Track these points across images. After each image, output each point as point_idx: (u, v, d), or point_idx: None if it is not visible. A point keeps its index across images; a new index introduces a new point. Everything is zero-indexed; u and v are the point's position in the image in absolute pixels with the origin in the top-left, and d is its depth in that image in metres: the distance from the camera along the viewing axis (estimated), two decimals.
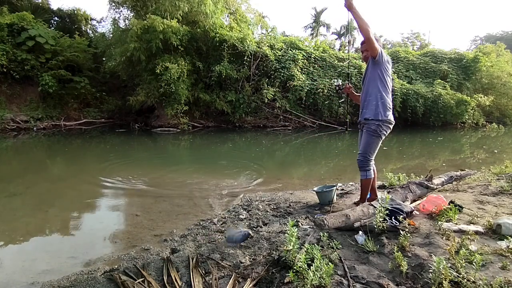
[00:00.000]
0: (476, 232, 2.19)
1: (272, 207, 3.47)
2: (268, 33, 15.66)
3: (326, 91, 12.94)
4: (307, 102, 13.29)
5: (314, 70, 13.93)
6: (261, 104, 13.21)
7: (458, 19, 75.72)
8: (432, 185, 3.31)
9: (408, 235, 2.12)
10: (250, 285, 1.86)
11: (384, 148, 8.70)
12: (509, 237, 1.99)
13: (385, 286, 1.70)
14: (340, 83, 3.20)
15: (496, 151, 8.30)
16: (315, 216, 2.82)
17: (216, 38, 12.76)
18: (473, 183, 3.92)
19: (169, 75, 11.58)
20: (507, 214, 2.61)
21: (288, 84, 13.27)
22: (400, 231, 2.14)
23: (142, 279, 2.01)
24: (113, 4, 13.74)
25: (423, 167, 5.96)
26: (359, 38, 34.82)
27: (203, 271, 2.08)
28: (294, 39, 15.06)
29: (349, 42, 32.85)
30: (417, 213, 2.65)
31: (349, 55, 13.63)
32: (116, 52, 13.22)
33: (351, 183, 4.54)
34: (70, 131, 12.22)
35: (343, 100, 3.36)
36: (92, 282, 2.05)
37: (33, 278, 2.20)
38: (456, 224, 2.37)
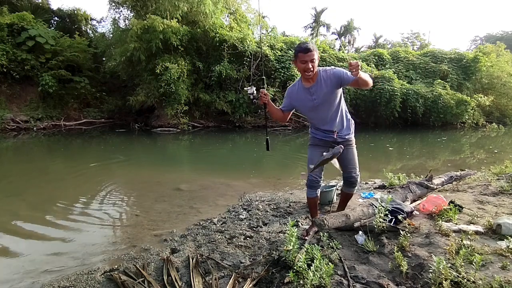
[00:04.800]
0: (476, 232, 2.19)
1: (272, 207, 3.47)
2: (268, 33, 15.66)
3: None
4: None
5: None
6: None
7: (458, 19, 75.75)
8: (432, 185, 3.31)
9: (408, 235, 2.12)
10: (250, 285, 1.86)
11: (390, 148, 8.73)
12: (509, 237, 1.98)
13: (385, 286, 1.70)
14: (254, 92, 2.49)
15: (496, 151, 8.29)
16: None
17: (216, 38, 12.76)
18: (473, 183, 3.92)
19: (169, 75, 11.58)
20: (507, 214, 2.61)
21: (288, 84, 13.25)
22: (400, 231, 2.14)
23: (142, 279, 2.01)
24: (113, 4, 13.74)
25: (423, 167, 5.96)
26: (359, 38, 34.76)
27: (203, 271, 2.08)
28: (294, 39, 15.06)
29: (349, 42, 32.87)
30: (417, 213, 2.65)
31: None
32: (116, 52, 13.23)
33: None
34: (70, 131, 12.22)
35: (260, 110, 2.57)
36: (92, 282, 2.05)
37: (33, 278, 2.21)
38: (456, 224, 2.37)
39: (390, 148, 8.80)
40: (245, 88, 2.49)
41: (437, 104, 13.31)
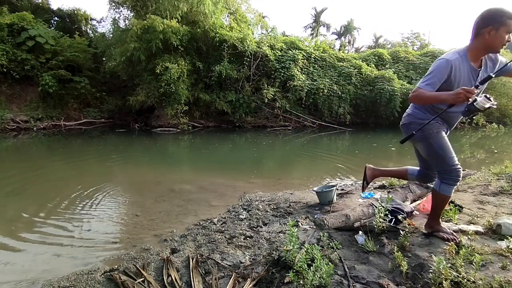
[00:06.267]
0: (476, 232, 2.19)
1: (272, 207, 3.47)
2: (268, 33, 15.66)
3: (326, 91, 12.95)
4: (307, 102, 13.29)
5: (314, 70, 13.93)
6: (261, 104, 13.21)
7: (458, 19, 75.77)
8: (432, 185, 3.31)
9: (408, 235, 2.12)
10: (250, 285, 1.86)
11: (393, 148, 8.74)
12: (509, 237, 1.98)
13: (385, 286, 1.70)
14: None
15: (496, 151, 8.29)
16: (315, 216, 2.83)
17: (216, 38, 12.77)
18: (473, 183, 3.92)
19: (169, 75, 11.58)
20: (507, 214, 2.61)
21: (288, 84, 13.27)
22: (400, 231, 2.14)
23: (142, 279, 2.01)
24: (113, 4, 13.75)
25: None
26: (359, 38, 34.78)
27: (203, 271, 2.08)
28: (294, 39, 15.06)
29: (349, 42, 32.84)
30: (417, 213, 2.65)
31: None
32: (116, 52, 13.23)
33: (351, 183, 4.54)
34: (70, 131, 12.22)
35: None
36: (92, 282, 2.05)
37: (33, 278, 2.20)
38: (456, 224, 2.37)
39: (393, 148, 8.80)
40: (481, 103, 1.71)
41: None
